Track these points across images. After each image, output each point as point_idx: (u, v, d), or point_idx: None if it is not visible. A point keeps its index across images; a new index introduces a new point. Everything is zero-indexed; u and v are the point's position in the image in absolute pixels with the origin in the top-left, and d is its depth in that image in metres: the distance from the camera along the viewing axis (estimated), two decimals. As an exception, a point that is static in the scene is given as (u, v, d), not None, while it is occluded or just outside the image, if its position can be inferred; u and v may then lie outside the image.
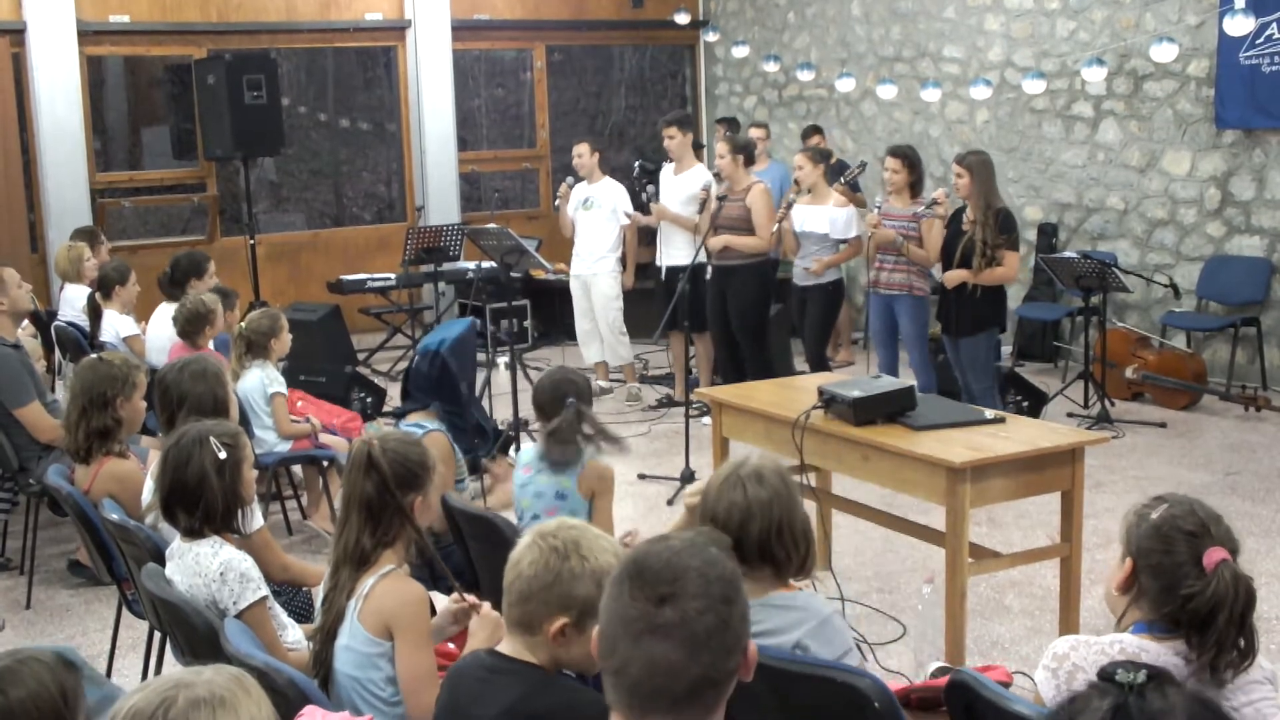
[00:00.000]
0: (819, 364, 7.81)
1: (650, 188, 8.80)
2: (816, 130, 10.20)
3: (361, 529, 3.02)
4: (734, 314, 7.89)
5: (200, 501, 3.38)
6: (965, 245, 6.86)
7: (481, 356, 7.56)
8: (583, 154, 8.82)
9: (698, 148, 11.07)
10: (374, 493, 3.03)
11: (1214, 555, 2.42)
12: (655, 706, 1.77)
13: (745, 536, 2.71)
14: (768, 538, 2.70)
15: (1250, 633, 2.41)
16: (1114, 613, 2.57)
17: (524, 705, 1.97)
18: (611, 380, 9.17)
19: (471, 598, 3.14)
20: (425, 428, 4.66)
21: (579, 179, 8.94)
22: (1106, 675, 1.77)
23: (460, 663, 2.59)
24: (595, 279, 8.87)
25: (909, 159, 7.26)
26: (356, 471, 3.06)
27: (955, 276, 6.93)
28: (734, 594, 1.82)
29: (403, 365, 10.01)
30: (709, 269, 8.10)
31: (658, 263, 8.61)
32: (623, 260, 8.98)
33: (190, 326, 6.17)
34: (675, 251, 8.36)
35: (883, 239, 7.22)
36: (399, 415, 4.87)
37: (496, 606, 3.20)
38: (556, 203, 9.11)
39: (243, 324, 6.12)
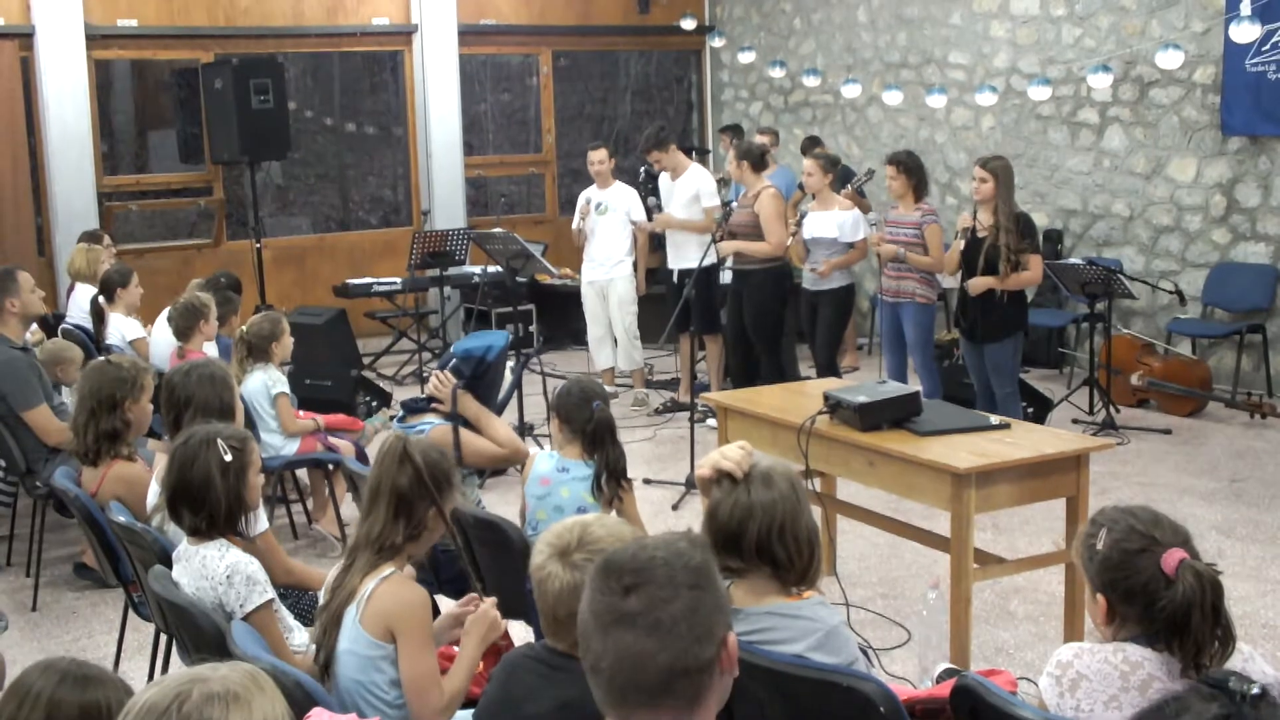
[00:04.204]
0: (829, 369, 7.79)
1: (651, 199, 8.83)
2: (816, 142, 10.17)
3: (390, 521, 3.03)
4: (749, 318, 7.92)
5: (204, 502, 3.39)
6: (988, 251, 6.87)
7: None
8: (603, 160, 8.80)
9: (704, 153, 11.10)
10: (408, 485, 3.04)
11: (1171, 559, 2.43)
12: (634, 699, 1.78)
13: (744, 534, 2.70)
14: (767, 536, 2.69)
15: (1225, 622, 2.41)
16: (1108, 641, 2.57)
17: (582, 702, 1.98)
18: (618, 385, 9.18)
19: (487, 602, 3.15)
20: (433, 423, 4.60)
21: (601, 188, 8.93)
22: (1216, 682, 1.75)
23: (512, 656, 2.59)
24: (613, 283, 8.86)
25: (904, 165, 7.28)
26: (390, 463, 3.06)
27: (981, 284, 6.93)
28: (704, 581, 1.82)
29: (408, 369, 10.04)
30: (724, 273, 8.16)
31: (668, 266, 8.64)
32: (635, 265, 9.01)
33: (184, 322, 6.20)
34: (685, 256, 8.39)
35: (887, 255, 7.28)
36: (411, 410, 4.75)
37: (501, 608, 3.22)
38: (578, 223, 8.95)
39: (244, 327, 6.13)
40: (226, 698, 1.69)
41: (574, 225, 8.96)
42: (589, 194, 8.91)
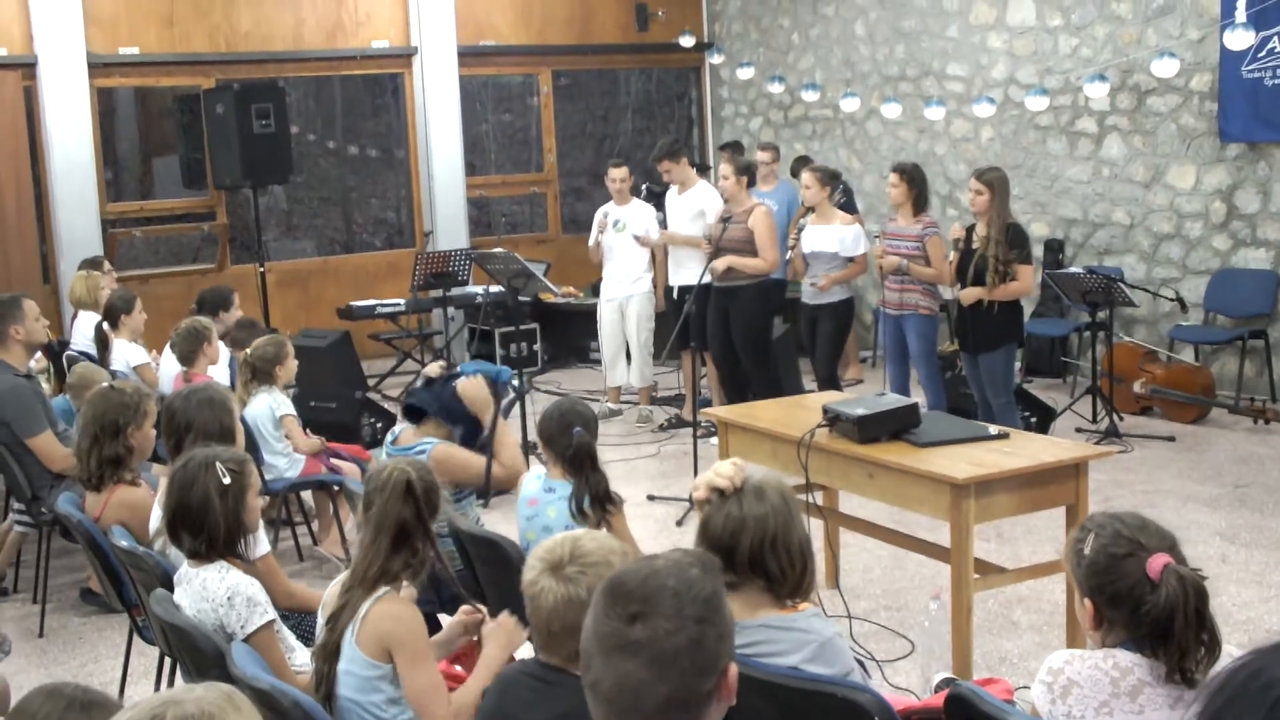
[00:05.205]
0: (830, 382, 7.78)
1: (658, 214, 8.86)
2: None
3: (392, 554, 3.07)
4: (736, 334, 7.93)
5: (203, 525, 3.41)
6: (977, 262, 6.90)
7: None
8: (624, 178, 8.82)
9: (704, 169, 11.13)
10: (412, 518, 3.09)
11: (1155, 564, 2.44)
12: None
13: (736, 547, 2.71)
14: (759, 549, 2.70)
15: (1211, 628, 2.42)
16: (1099, 646, 2.58)
17: (576, 716, 1.99)
18: (623, 402, 9.20)
19: (484, 609, 3.18)
20: (433, 441, 4.59)
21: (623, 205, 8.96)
22: None
23: (509, 671, 2.62)
24: (631, 300, 8.89)
25: (908, 175, 7.30)
26: (394, 501, 3.10)
27: (971, 294, 6.95)
28: (711, 615, 1.81)
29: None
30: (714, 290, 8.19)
31: (670, 282, 8.67)
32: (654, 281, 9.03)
33: (187, 346, 6.25)
34: (686, 272, 8.41)
35: (889, 267, 7.29)
36: (412, 407, 4.70)
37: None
38: (595, 239, 8.97)
39: (248, 350, 6.17)
40: (201, 719, 1.69)
41: (591, 241, 9.01)
42: (607, 209, 8.94)
